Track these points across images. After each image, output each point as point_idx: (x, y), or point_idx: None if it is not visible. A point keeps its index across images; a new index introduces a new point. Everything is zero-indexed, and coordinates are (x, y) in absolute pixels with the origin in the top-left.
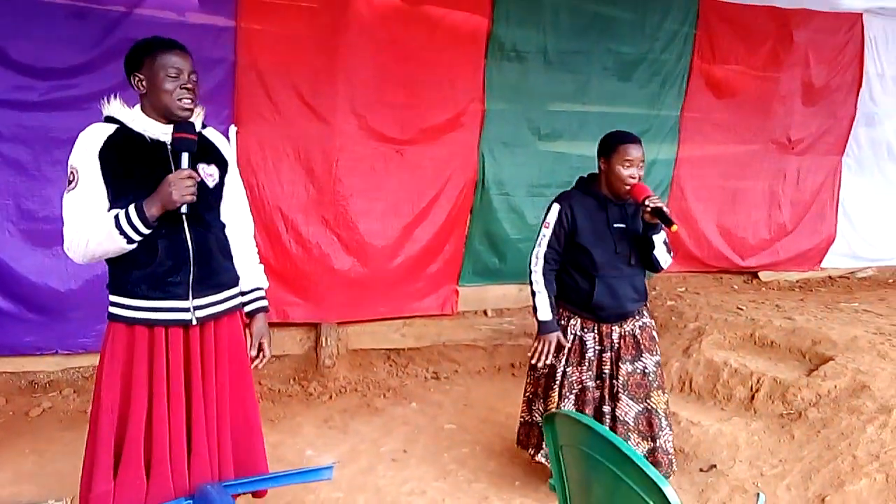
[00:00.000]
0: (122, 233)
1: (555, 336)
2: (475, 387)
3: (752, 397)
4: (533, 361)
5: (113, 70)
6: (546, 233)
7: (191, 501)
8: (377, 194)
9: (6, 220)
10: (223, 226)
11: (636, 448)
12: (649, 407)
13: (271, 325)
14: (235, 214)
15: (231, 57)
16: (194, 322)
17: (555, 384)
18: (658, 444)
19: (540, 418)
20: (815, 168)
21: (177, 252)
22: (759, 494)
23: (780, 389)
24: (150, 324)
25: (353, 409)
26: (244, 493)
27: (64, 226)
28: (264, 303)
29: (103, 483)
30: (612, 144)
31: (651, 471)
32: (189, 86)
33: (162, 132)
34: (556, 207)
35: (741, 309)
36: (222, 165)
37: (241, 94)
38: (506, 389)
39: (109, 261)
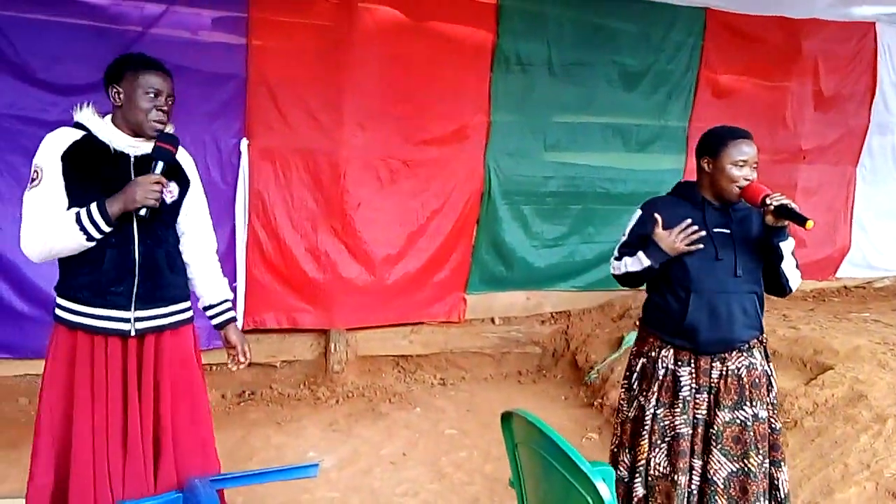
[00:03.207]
0: (83, 229)
1: (664, 233)
2: (480, 393)
3: None
4: (678, 242)
5: None
6: (621, 240)
7: (181, 495)
8: (384, 204)
9: None
10: (177, 241)
11: None
12: (747, 469)
13: (282, 331)
14: (198, 232)
15: (242, 73)
16: (132, 333)
17: (644, 430)
18: None
19: (626, 474)
20: (827, 178)
21: (122, 263)
22: None
23: (779, 398)
24: (90, 330)
25: (359, 413)
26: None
27: (22, 222)
28: (233, 313)
29: (43, 476)
30: (721, 141)
31: (585, 466)
32: (164, 108)
33: (127, 144)
34: (637, 213)
35: None
36: (184, 184)
37: (251, 108)
38: (510, 396)
39: (60, 264)
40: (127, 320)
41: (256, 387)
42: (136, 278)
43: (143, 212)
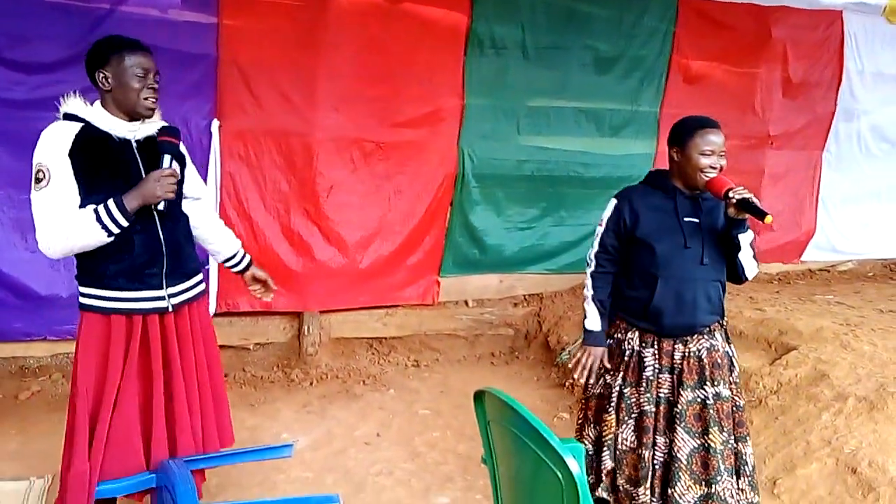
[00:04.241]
0: (104, 226)
1: (600, 351)
2: (453, 374)
3: None
4: (576, 375)
5: None
6: (599, 231)
7: (153, 476)
8: (357, 187)
9: None
10: (187, 217)
11: (687, 492)
12: (707, 445)
13: (255, 314)
14: (200, 195)
15: (213, 53)
16: (170, 309)
17: (610, 406)
18: (714, 491)
19: (591, 447)
20: (794, 163)
21: (151, 245)
22: None
23: (744, 378)
24: (128, 313)
25: (333, 394)
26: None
27: (37, 223)
28: (248, 257)
29: (81, 463)
30: (689, 131)
31: (555, 442)
32: (154, 86)
33: (127, 130)
34: (612, 203)
35: None
36: (181, 161)
37: (223, 89)
38: (484, 377)
39: (85, 255)
40: (163, 298)
41: (230, 369)
42: (165, 258)
43: (161, 206)
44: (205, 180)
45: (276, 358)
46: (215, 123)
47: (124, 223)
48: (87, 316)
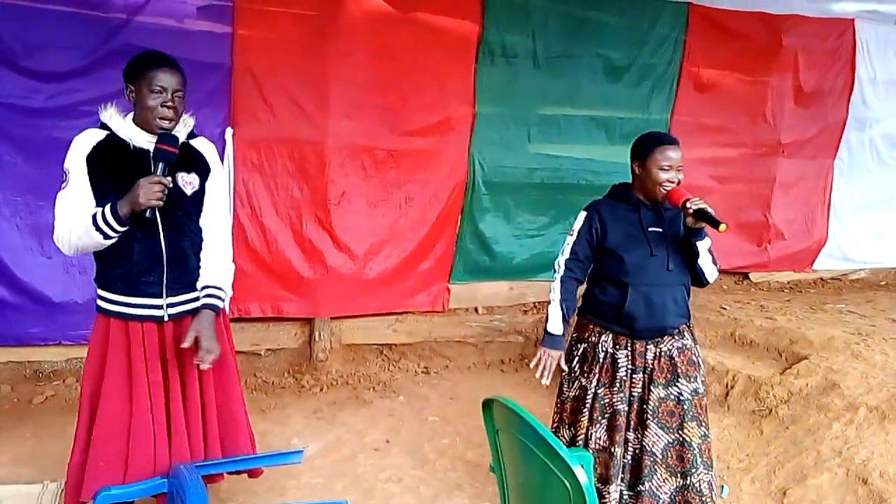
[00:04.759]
0: (98, 229)
1: (558, 354)
2: (463, 381)
3: (727, 394)
4: (536, 375)
5: (113, 75)
6: (570, 240)
7: (165, 481)
8: (368, 194)
9: (14, 215)
10: (201, 230)
11: (663, 484)
12: (682, 439)
13: (267, 320)
14: (210, 216)
15: (228, 62)
16: (166, 318)
17: (584, 408)
18: (690, 482)
19: None
20: (806, 171)
21: (150, 254)
22: (722, 486)
23: (754, 387)
24: (125, 318)
25: (343, 401)
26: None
27: (54, 221)
28: (212, 301)
29: (78, 455)
30: (648, 147)
31: (563, 451)
32: (170, 103)
33: (146, 140)
34: (582, 215)
35: (724, 308)
36: (204, 173)
37: (237, 97)
38: (493, 385)
39: (95, 257)
40: (160, 307)
41: (241, 375)
42: (165, 267)
43: (148, 213)
44: None
45: (286, 364)
46: (229, 132)
47: (118, 227)
48: (97, 317)
